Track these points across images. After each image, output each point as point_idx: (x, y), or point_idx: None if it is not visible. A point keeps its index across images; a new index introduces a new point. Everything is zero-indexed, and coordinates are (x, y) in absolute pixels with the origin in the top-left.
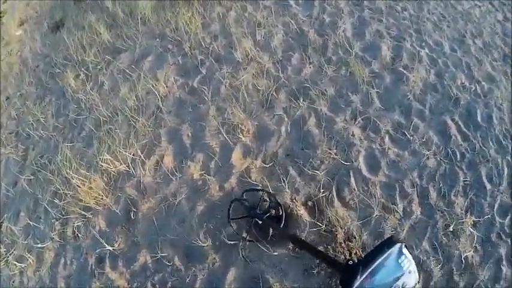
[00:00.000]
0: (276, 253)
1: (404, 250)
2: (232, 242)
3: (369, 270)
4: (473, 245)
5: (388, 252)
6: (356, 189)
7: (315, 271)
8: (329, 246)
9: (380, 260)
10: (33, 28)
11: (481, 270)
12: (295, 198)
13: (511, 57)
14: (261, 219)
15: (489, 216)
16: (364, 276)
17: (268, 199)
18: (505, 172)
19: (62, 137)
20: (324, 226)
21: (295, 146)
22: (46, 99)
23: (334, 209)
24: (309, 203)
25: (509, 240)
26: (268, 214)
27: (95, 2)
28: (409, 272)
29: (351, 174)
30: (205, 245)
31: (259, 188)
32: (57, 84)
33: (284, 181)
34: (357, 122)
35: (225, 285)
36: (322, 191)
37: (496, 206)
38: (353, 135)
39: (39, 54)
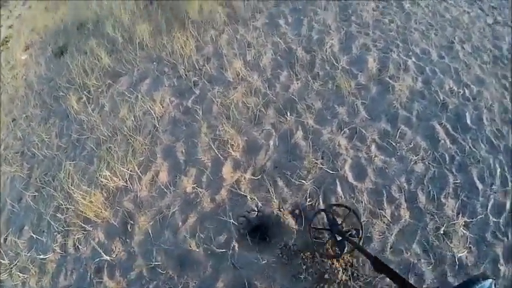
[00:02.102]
0: (264, 261)
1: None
2: (222, 251)
3: None
4: (467, 245)
5: (479, 285)
6: (343, 196)
7: (302, 276)
8: (317, 253)
9: None
10: (38, 53)
11: (477, 270)
12: (282, 207)
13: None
14: (342, 235)
15: (482, 216)
16: None
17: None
18: (498, 171)
19: (65, 155)
20: (311, 234)
21: (283, 158)
22: (50, 121)
23: (321, 216)
24: (296, 211)
25: (505, 239)
26: (349, 233)
27: (96, 28)
28: None
29: (337, 182)
30: (197, 254)
31: (347, 205)
32: (61, 106)
33: (272, 192)
34: (343, 133)
35: None
36: (309, 199)
37: (490, 205)
38: (339, 145)
39: (43, 78)
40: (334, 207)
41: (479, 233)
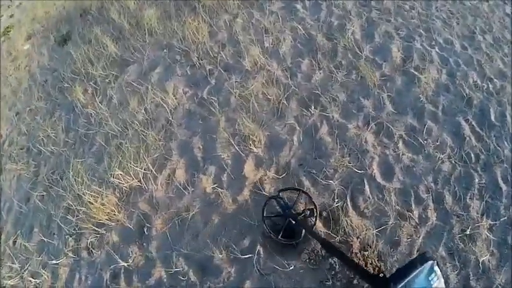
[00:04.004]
0: (291, 267)
1: (436, 267)
2: (246, 256)
3: (400, 285)
4: (490, 248)
5: (420, 268)
6: (371, 197)
7: (329, 282)
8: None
9: (411, 276)
10: (40, 42)
11: (498, 274)
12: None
13: None
14: (296, 219)
15: (505, 218)
16: None
17: (303, 200)
18: None
19: (73, 152)
20: (339, 237)
21: (308, 155)
22: (56, 114)
23: (349, 218)
24: (324, 214)
25: None
26: (303, 215)
27: (100, 15)
28: None
29: (365, 182)
30: (219, 259)
31: (296, 187)
32: (66, 99)
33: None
34: (369, 128)
35: None
36: (336, 200)
37: None
38: (366, 141)
39: (47, 68)
40: (282, 193)
41: (501, 236)
